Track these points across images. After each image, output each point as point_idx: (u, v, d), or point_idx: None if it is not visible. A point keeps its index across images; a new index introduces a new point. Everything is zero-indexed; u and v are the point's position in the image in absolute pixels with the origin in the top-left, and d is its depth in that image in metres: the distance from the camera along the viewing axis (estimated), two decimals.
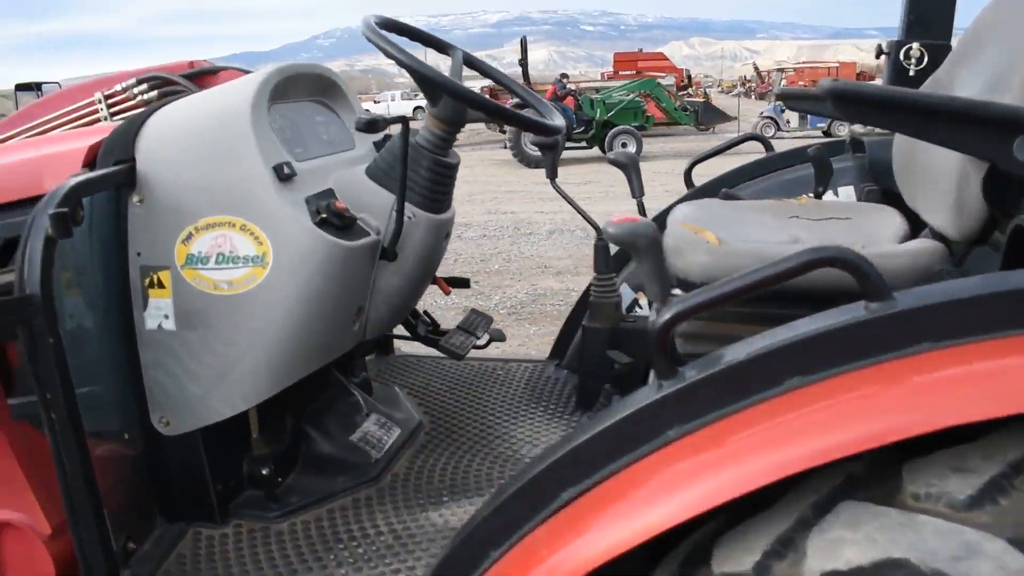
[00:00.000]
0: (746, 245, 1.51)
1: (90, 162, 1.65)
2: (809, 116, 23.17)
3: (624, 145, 17.61)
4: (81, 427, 1.35)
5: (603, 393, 2.25)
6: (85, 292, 1.64)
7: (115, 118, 2.50)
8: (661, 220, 1.88)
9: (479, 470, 2.01)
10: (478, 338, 2.24)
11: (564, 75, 20.86)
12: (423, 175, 1.82)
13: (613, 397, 2.22)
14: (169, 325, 1.62)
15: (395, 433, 1.90)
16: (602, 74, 37.35)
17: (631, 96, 18.86)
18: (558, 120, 1.82)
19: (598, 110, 18.52)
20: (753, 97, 47.49)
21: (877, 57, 2.58)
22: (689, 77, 34.85)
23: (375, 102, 48.92)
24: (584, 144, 18.65)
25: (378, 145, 2.08)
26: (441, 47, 2.01)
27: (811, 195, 2.11)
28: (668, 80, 25.82)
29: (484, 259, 8.37)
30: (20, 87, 27.16)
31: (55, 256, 1.35)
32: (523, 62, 17.92)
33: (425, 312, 2.28)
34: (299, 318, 1.63)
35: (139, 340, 1.64)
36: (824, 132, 22.30)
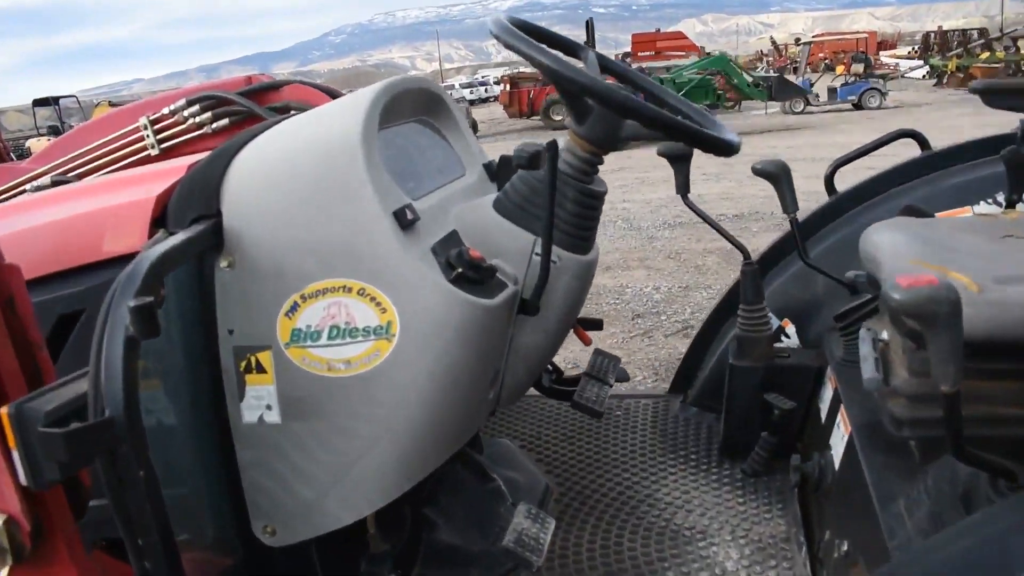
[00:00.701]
0: (1018, 293, 1.18)
1: (158, 216, 1.34)
2: (839, 88, 22.62)
3: None
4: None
5: (760, 443, 1.94)
6: (165, 381, 1.34)
7: (163, 146, 2.22)
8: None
9: (633, 548, 1.71)
10: (611, 385, 1.93)
11: (627, 54, 20.35)
12: (568, 209, 1.52)
13: (768, 447, 1.91)
14: (273, 417, 1.32)
15: (551, 526, 1.57)
16: (617, 56, 36.80)
17: (703, 74, 18.30)
18: (731, 135, 1.49)
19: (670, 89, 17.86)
20: (772, 72, 46.68)
21: None
22: (707, 55, 34.27)
23: None
24: None
25: (489, 168, 1.76)
26: (570, 48, 1.70)
27: (1000, 204, 1.78)
28: (691, 59, 25.38)
29: None
30: (37, 103, 27.15)
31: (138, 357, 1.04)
32: (591, 46, 17.58)
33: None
34: (433, 398, 1.33)
35: (235, 436, 1.34)
36: (854, 104, 21.72)
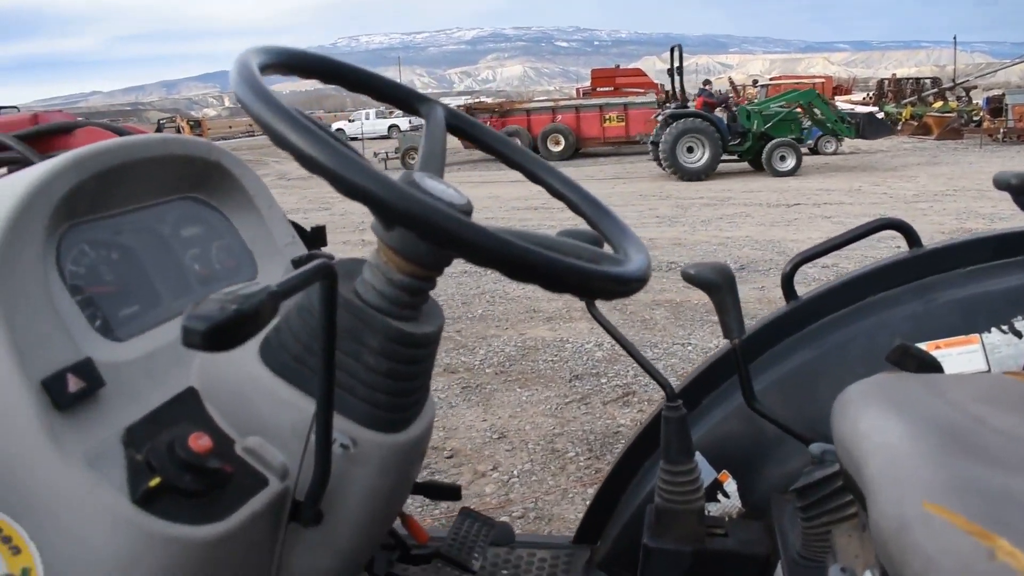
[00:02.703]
0: None
1: None
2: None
3: (783, 159, 16.75)
4: None
5: None
6: None
7: None
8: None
9: None
10: (472, 572, 1.39)
11: (707, 82, 19.93)
12: (369, 364, 0.97)
13: None
14: None
15: None
16: (577, 90, 36.59)
17: (790, 107, 17.89)
18: (639, 261, 0.96)
19: (755, 121, 17.34)
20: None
21: None
22: (666, 92, 34.20)
23: (349, 120, 48.04)
24: (736, 158, 17.63)
25: (298, 264, 1.24)
26: (407, 101, 1.15)
27: (1020, 333, 1.29)
28: (649, 96, 25.27)
29: (467, 301, 7.62)
30: None
31: None
32: (679, 70, 17.10)
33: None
34: None
35: None
36: (810, 149, 21.57)
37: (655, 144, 17.32)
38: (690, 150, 16.89)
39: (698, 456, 1.58)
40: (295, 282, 0.75)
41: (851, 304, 1.58)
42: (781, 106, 17.84)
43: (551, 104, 26.00)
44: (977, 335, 1.41)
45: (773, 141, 16.99)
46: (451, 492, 1.53)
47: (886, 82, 39.04)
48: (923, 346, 1.38)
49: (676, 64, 17.57)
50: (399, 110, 1.17)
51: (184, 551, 0.82)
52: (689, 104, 17.70)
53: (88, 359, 0.87)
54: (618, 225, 1.06)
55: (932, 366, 1.12)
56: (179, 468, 0.84)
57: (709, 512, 1.57)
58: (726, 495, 1.60)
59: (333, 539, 1.01)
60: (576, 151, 24.40)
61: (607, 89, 28.61)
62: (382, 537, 1.19)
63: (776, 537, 1.38)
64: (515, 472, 3.93)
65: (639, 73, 33.82)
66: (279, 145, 0.79)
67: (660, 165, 17.38)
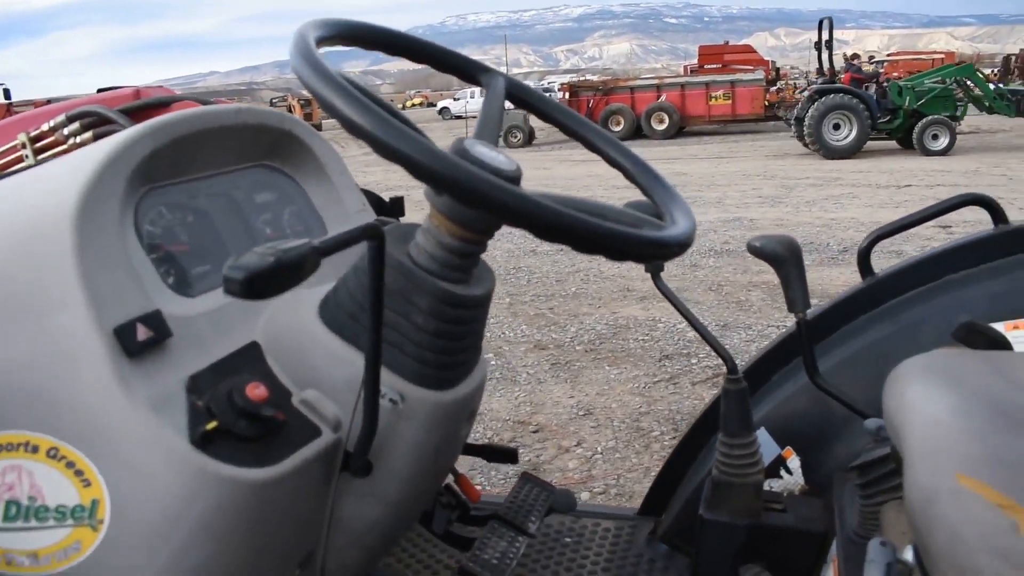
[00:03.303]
0: None
1: None
2: None
3: (935, 137, 16.03)
4: None
5: None
6: None
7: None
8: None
9: None
10: (531, 535, 1.42)
11: (855, 55, 19.37)
12: (419, 324, 1.01)
13: None
14: None
15: None
16: (685, 68, 35.97)
17: (945, 84, 17.18)
18: (684, 223, 0.97)
19: (907, 98, 16.49)
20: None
21: None
22: (776, 70, 33.24)
23: (454, 99, 48.29)
24: (886, 135, 16.98)
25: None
26: (468, 71, 1.18)
27: None
28: (757, 74, 24.62)
29: (561, 279, 7.63)
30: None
31: None
32: (828, 43, 16.68)
33: (447, 484, 1.46)
34: None
35: None
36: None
37: (799, 120, 16.60)
38: (836, 127, 16.19)
39: (762, 432, 1.57)
40: (340, 239, 0.79)
41: (929, 282, 1.52)
42: (936, 82, 16.90)
43: (656, 82, 25.57)
44: None
45: (926, 119, 16.09)
46: (508, 455, 1.56)
47: (1013, 58, 36.92)
48: (1000, 326, 1.32)
49: (825, 38, 16.74)
50: (460, 79, 1.19)
51: (237, 491, 0.88)
52: (837, 80, 16.93)
53: (157, 311, 0.94)
54: (668, 191, 1.07)
55: (1000, 344, 1.08)
56: (236, 414, 0.90)
57: (772, 488, 1.55)
58: (789, 472, 1.58)
59: (382, 490, 1.06)
60: (680, 130, 23.98)
61: (715, 67, 28.02)
62: (432, 493, 1.23)
63: (835, 515, 1.36)
64: (599, 449, 3.94)
65: (749, 50, 32.99)
66: (326, 111, 0.82)
67: (804, 143, 16.64)
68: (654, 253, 0.90)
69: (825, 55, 17.00)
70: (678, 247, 0.92)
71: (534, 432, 4.18)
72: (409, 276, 0.99)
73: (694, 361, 5.08)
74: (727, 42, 37.18)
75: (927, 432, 0.78)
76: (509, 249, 8.83)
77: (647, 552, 1.67)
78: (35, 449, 0.83)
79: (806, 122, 16.24)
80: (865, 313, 1.57)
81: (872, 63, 23.15)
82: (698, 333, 1.57)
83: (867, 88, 16.78)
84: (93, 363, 0.85)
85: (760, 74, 24.75)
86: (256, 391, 0.91)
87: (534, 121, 22.74)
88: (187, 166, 1.13)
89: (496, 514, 1.44)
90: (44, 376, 0.85)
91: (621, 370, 5.06)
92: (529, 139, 23.70)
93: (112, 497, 0.84)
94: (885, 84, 17.12)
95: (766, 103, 23.63)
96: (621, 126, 23.03)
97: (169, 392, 0.90)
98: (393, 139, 0.78)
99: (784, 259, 1.42)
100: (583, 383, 4.83)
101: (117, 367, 0.85)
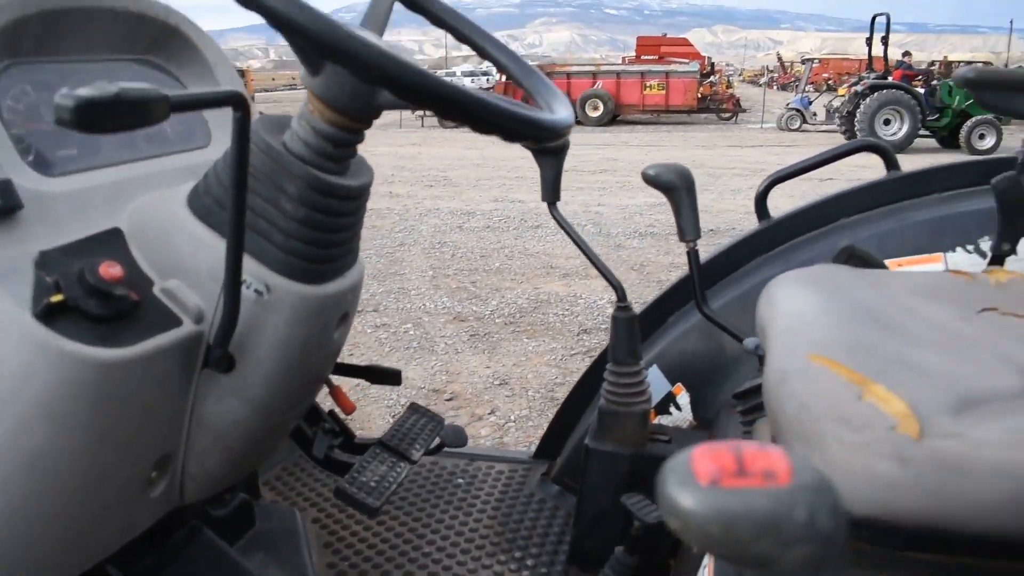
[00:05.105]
0: (987, 435, 0.64)
1: None
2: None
3: (982, 137, 15.85)
4: None
5: (611, 561, 1.36)
6: None
7: None
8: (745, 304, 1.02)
9: None
10: (412, 461, 1.38)
11: (907, 53, 19.18)
12: (288, 209, 0.97)
13: (622, 569, 1.33)
14: None
15: None
16: (623, 59, 36.23)
17: None
18: (561, 112, 0.97)
19: (956, 97, 16.27)
20: (775, 88, 46.07)
21: None
22: (712, 65, 33.70)
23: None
24: (931, 134, 16.77)
25: None
26: None
27: (985, 254, 1.25)
28: (692, 67, 24.92)
29: (485, 255, 7.61)
30: None
31: None
32: (884, 39, 16.42)
33: (331, 412, 1.42)
34: (9, 502, 0.81)
35: None
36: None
37: (849, 115, 16.47)
38: (887, 122, 16.12)
39: (654, 369, 1.57)
40: (197, 97, 0.75)
41: (823, 225, 1.54)
42: None
43: (592, 69, 25.72)
44: (940, 254, 1.38)
45: (974, 118, 16.03)
46: (391, 376, 1.53)
47: (937, 65, 38.16)
48: (886, 264, 1.35)
49: (881, 33, 16.71)
50: None
51: (81, 368, 0.83)
52: (889, 76, 16.89)
53: (8, 180, 0.89)
54: (545, 84, 1.07)
55: (877, 266, 1.09)
56: (85, 291, 0.86)
57: (661, 423, 1.56)
58: (678, 407, 1.59)
59: (245, 387, 1.03)
60: (614, 118, 24.15)
61: (651, 58, 28.26)
62: (303, 399, 1.19)
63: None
64: (512, 417, 3.93)
65: (685, 43, 33.38)
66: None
67: (850, 139, 16.66)
68: (545, 135, 0.92)
69: (881, 51, 16.98)
70: (565, 129, 0.96)
71: (448, 400, 4.15)
72: (279, 159, 0.96)
73: None
74: (665, 35, 37.56)
75: (787, 323, 0.78)
76: (436, 224, 8.81)
77: (538, 492, 1.66)
78: None
79: (858, 116, 16.11)
80: (760, 255, 1.58)
81: (803, 63, 23.51)
82: (589, 260, 1.58)
83: (916, 86, 16.88)
84: None
85: (695, 67, 25.06)
86: (110, 270, 0.87)
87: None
88: (57, 44, 1.06)
89: (381, 441, 1.40)
90: None
91: (539, 343, 5.06)
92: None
93: None
94: (935, 83, 17.13)
95: (699, 96, 23.93)
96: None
97: (15, 264, 0.85)
98: (282, 5, 0.73)
99: (676, 187, 1.42)
100: (500, 354, 4.82)
101: None
